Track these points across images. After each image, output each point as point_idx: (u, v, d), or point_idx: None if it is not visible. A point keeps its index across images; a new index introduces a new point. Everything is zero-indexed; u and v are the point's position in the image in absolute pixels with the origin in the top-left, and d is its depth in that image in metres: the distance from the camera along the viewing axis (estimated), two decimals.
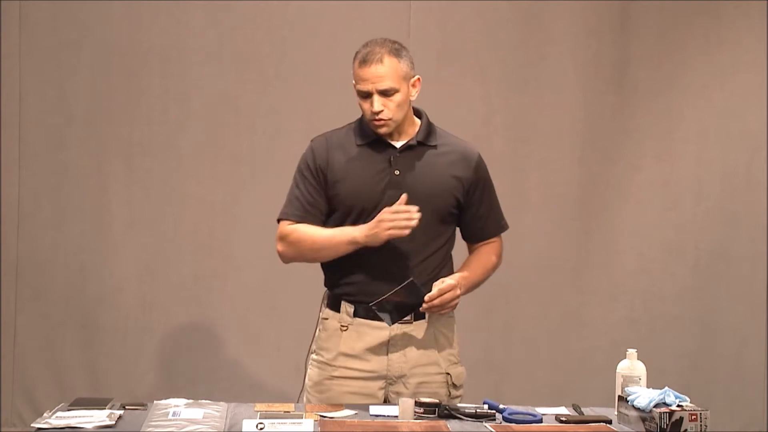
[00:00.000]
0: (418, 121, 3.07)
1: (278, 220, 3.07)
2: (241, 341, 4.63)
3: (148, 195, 4.65)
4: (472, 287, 3.09)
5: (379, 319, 2.96)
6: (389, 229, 2.88)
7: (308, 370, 3.09)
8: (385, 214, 2.88)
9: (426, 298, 2.89)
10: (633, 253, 4.81)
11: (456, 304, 2.97)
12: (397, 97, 2.94)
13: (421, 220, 2.92)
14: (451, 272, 3.07)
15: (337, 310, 3.03)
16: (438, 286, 2.92)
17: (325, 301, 3.09)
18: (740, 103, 4.82)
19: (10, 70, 4.58)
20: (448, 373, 3.05)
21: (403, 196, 2.89)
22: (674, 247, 4.81)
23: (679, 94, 4.81)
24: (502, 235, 3.21)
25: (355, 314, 3.00)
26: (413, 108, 3.07)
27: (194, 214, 4.66)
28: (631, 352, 2.85)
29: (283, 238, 3.05)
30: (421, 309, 2.91)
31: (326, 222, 3.05)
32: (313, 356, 3.08)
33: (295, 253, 3.06)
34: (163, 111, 4.65)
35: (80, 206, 4.63)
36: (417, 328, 3.01)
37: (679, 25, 4.80)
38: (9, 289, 4.61)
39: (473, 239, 3.16)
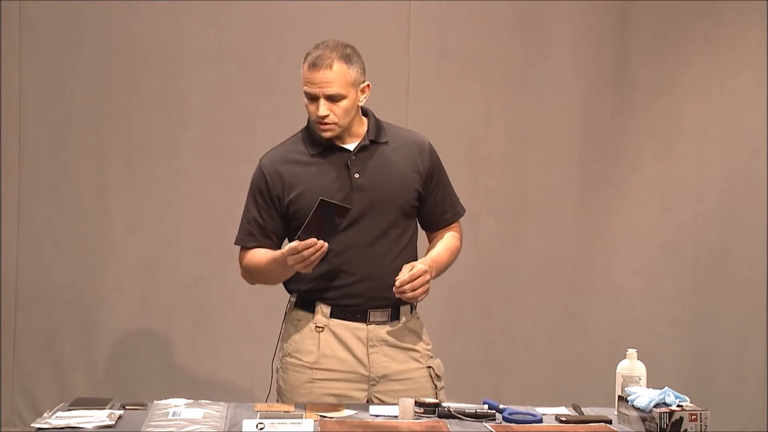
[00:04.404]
0: (365, 120, 3.06)
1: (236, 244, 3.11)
2: (241, 341, 4.62)
3: (148, 195, 4.65)
4: (441, 270, 3.08)
5: (357, 320, 2.97)
6: (295, 264, 2.83)
7: (283, 374, 3.06)
8: (295, 253, 2.80)
9: (397, 283, 2.86)
10: (633, 253, 4.81)
11: (427, 290, 2.93)
12: (344, 103, 2.93)
13: (388, 217, 2.97)
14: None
15: (311, 311, 3.02)
16: (407, 270, 2.89)
17: (293, 303, 3.07)
18: (740, 103, 4.82)
19: (10, 70, 4.58)
20: (429, 367, 3.06)
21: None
22: (674, 247, 4.82)
23: (679, 94, 4.81)
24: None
25: (332, 315, 3.00)
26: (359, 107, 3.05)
27: (194, 214, 4.66)
28: (631, 352, 2.85)
29: (240, 263, 3.11)
30: (394, 289, 2.87)
31: (293, 239, 3.03)
32: (288, 359, 3.05)
33: (253, 280, 3.11)
34: (163, 111, 4.65)
35: (80, 206, 4.63)
36: (392, 328, 3.02)
37: (679, 25, 4.80)
38: (9, 289, 4.61)
39: (434, 227, 3.16)
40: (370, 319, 3.00)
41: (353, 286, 2.98)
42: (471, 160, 4.74)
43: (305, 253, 2.81)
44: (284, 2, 4.68)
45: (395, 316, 3.02)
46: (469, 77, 4.76)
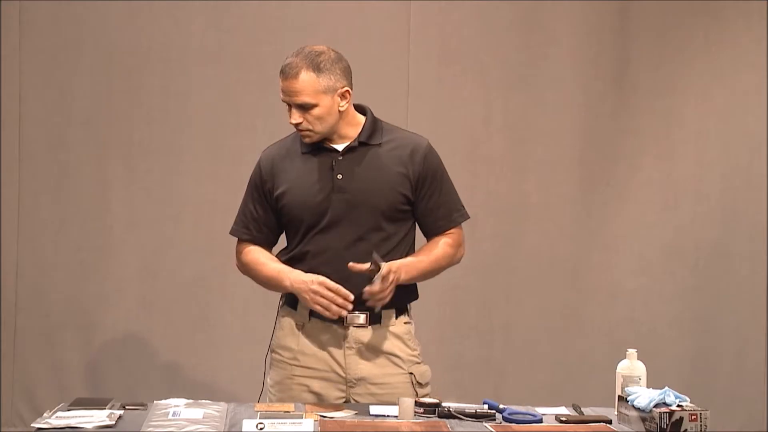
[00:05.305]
0: (362, 120, 3.04)
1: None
2: (241, 341, 4.62)
3: (148, 195, 4.65)
4: (418, 275, 3.01)
5: (335, 322, 2.97)
6: (318, 304, 2.85)
7: (269, 369, 3.09)
8: (324, 289, 2.84)
9: (367, 290, 2.84)
10: (633, 253, 4.81)
11: (389, 293, 2.88)
12: (316, 111, 2.92)
13: (368, 220, 2.95)
14: None
15: (294, 308, 3.03)
16: (379, 279, 2.86)
17: (283, 299, 3.09)
18: (740, 103, 4.82)
19: (10, 70, 4.58)
20: (411, 373, 3.04)
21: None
22: (674, 247, 4.81)
23: (679, 94, 4.81)
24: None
25: (311, 314, 2.99)
26: (357, 105, 3.04)
27: (194, 214, 4.66)
28: (631, 352, 2.85)
29: (236, 255, 3.14)
30: (364, 295, 2.85)
31: (286, 234, 3.08)
32: (273, 355, 3.08)
33: (247, 274, 3.13)
34: (163, 111, 4.65)
35: (80, 206, 4.63)
36: (373, 332, 3.01)
37: (679, 25, 4.80)
38: (9, 289, 4.61)
39: (429, 233, 3.11)
40: (347, 322, 2.99)
41: None
42: (471, 160, 4.74)
43: (330, 295, 2.84)
44: (284, 2, 4.68)
45: (377, 320, 3.01)
46: (469, 77, 4.76)
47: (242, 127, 4.64)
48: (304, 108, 2.92)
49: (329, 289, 2.85)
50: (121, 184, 4.65)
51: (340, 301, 2.84)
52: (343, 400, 3.00)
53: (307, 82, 2.90)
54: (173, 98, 4.65)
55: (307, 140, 2.98)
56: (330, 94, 2.93)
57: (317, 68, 2.91)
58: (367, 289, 2.85)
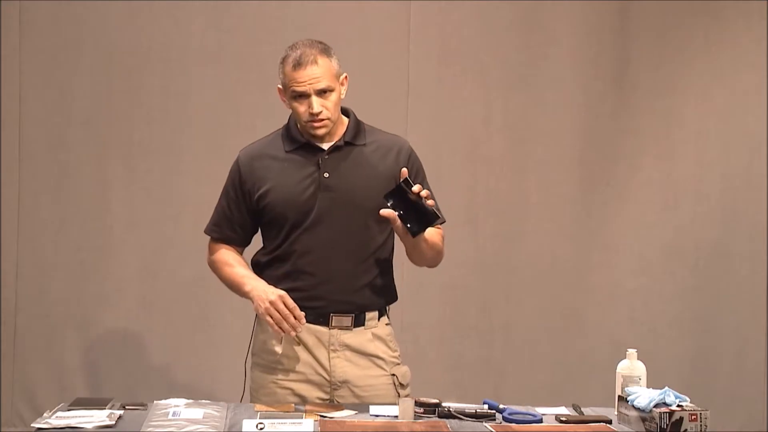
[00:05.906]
0: (346, 121, 3.05)
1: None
2: (241, 341, 4.60)
3: (148, 195, 4.65)
4: (420, 243, 2.97)
5: (320, 323, 2.97)
6: (270, 315, 2.85)
7: (251, 373, 3.08)
8: (281, 304, 2.85)
9: (423, 193, 2.82)
10: (633, 253, 4.81)
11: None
12: (333, 96, 2.94)
13: (355, 220, 2.95)
14: (390, 277, 3.08)
15: None
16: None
17: None
18: (740, 103, 4.82)
19: (10, 70, 4.58)
20: (393, 374, 3.05)
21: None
22: (674, 247, 4.82)
23: (679, 94, 4.81)
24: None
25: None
26: (341, 107, 3.05)
27: (194, 214, 4.63)
28: (631, 352, 2.85)
29: (208, 251, 3.16)
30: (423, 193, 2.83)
31: (264, 235, 3.07)
32: (255, 358, 3.07)
33: (214, 272, 3.15)
34: (163, 111, 4.65)
35: (80, 206, 4.63)
36: (355, 334, 3.01)
37: (679, 25, 4.80)
38: (9, 289, 4.61)
39: None
40: (333, 323, 2.99)
41: (315, 289, 2.97)
42: (471, 160, 4.74)
43: (285, 311, 2.83)
44: (284, 2, 4.68)
45: (360, 322, 3.01)
46: (469, 77, 4.76)
47: (242, 127, 4.63)
48: (324, 94, 2.92)
49: (286, 306, 2.85)
50: (121, 184, 4.65)
51: (292, 320, 2.84)
52: (327, 402, 2.99)
53: (325, 66, 2.92)
54: (173, 98, 4.65)
55: (322, 131, 2.95)
56: (338, 79, 2.96)
57: (327, 53, 2.94)
58: (422, 193, 2.81)
